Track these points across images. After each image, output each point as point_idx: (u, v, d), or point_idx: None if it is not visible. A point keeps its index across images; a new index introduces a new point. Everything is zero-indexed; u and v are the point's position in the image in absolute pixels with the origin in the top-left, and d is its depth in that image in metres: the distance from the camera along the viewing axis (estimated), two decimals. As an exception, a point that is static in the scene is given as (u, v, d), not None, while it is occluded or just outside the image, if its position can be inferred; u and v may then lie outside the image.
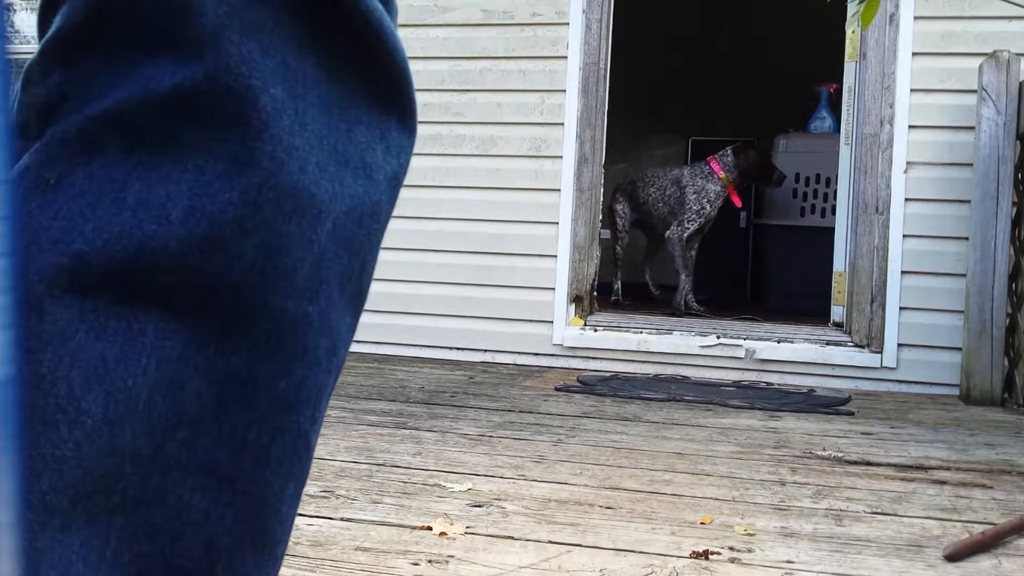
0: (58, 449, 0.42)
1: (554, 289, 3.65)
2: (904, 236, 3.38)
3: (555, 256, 3.65)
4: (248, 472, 0.48)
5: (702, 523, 1.56)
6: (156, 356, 0.45)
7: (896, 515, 1.66)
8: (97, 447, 0.43)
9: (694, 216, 4.43)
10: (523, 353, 3.65)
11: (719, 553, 1.40)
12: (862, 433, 2.46)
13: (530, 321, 3.66)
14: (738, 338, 3.51)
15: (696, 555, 1.38)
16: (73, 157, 0.45)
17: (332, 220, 0.49)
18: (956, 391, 3.24)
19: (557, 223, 3.65)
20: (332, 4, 0.49)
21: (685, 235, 4.44)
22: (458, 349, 3.71)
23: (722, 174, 4.41)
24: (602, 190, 3.73)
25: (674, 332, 3.58)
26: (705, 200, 4.42)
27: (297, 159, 0.47)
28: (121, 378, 0.44)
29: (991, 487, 1.89)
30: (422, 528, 1.46)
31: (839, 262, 3.66)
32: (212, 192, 0.45)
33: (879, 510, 1.68)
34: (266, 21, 0.47)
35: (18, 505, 0.31)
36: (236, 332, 0.47)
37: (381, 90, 0.52)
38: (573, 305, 3.65)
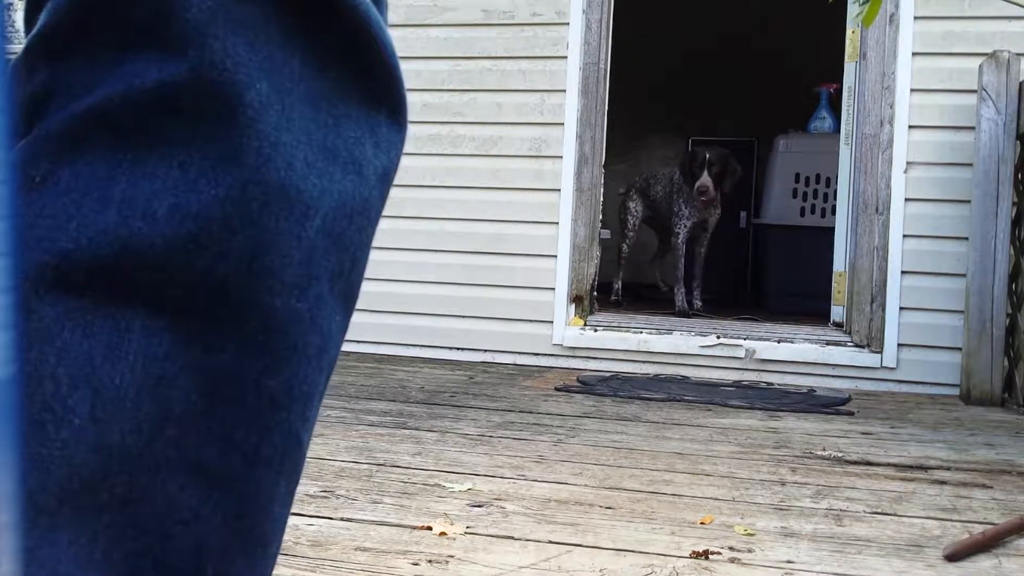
0: (45, 448, 0.42)
1: (554, 289, 3.65)
2: (904, 236, 3.38)
3: (555, 256, 3.65)
4: (238, 471, 0.48)
5: (702, 523, 1.56)
6: (143, 354, 0.44)
7: (896, 515, 1.66)
8: (84, 446, 0.43)
9: (680, 220, 4.51)
10: (523, 353, 3.65)
11: (719, 553, 1.40)
12: (862, 433, 2.46)
13: (530, 321, 3.66)
14: (738, 338, 3.51)
15: (696, 555, 1.38)
16: (59, 155, 0.45)
17: (321, 216, 0.49)
18: (956, 391, 3.24)
19: (557, 223, 3.65)
20: None
21: (680, 238, 4.50)
22: (458, 349, 3.71)
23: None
24: (602, 190, 3.73)
25: (674, 332, 3.58)
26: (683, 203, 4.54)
27: (284, 155, 0.47)
28: (108, 376, 0.43)
29: (991, 487, 1.89)
30: (422, 528, 1.46)
31: (839, 262, 3.66)
32: (198, 189, 0.45)
33: (879, 510, 1.68)
34: (252, 16, 0.46)
35: (7, 504, 0.31)
36: (224, 330, 0.47)
37: (370, 85, 0.52)
38: (573, 305, 3.65)
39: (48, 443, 0.42)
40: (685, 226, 4.47)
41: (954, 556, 1.41)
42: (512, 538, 1.44)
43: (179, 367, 0.45)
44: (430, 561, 1.32)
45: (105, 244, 0.44)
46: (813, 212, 5.02)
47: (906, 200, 3.39)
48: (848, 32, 3.60)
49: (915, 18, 3.38)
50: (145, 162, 0.45)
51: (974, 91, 3.23)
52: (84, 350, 0.43)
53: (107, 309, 0.44)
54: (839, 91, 3.97)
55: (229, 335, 0.47)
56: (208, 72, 0.45)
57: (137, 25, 0.45)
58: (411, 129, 3.64)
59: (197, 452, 0.46)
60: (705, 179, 4.28)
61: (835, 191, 4.38)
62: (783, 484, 1.86)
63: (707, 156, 4.31)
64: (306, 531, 1.43)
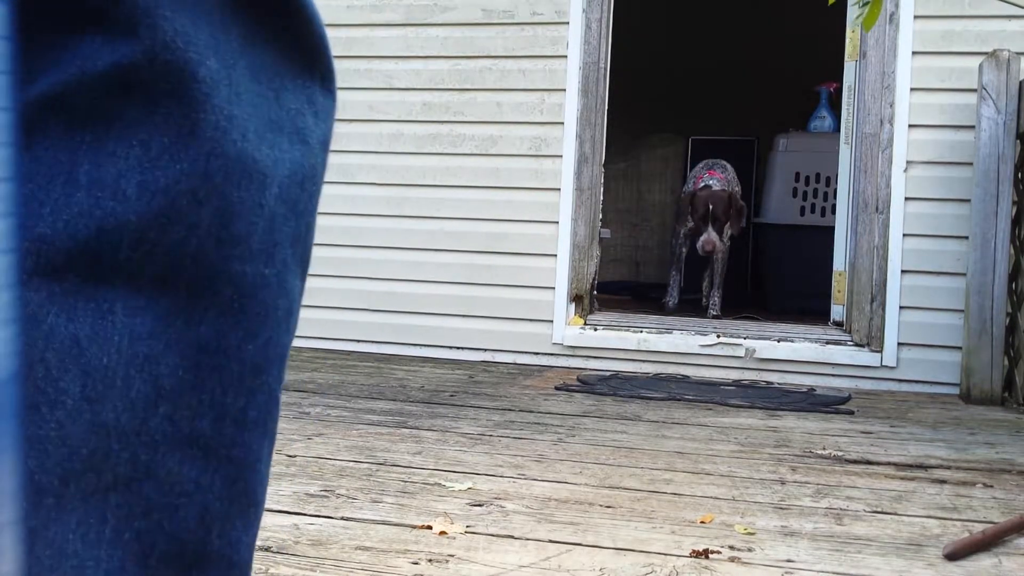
0: (40, 429, 0.43)
1: (554, 288, 3.65)
2: (904, 235, 3.38)
3: (555, 255, 3.65)
4: (230, 437, 0.50)
5: (702, 522, 1.56)
6: (128, 334, 0.46)
7: (896, 514, 1.66)
8: (80, 426, 0.44)
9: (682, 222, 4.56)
10: (523, 352, 3.65)
11: (719, 552, 1.40)
12: (862, 432, 2.46)
13: (530, 320, 3.66)
14: (738, 337, 3.51)
15: (696, 554, 1.38)
16: None
17: (277, 185, 0.51)
18: (956, 390, 3.24)
19: (557, 222, 3.65)
20: None
21: (679, 237, 4.53)
22: (458, 348, 3.71)
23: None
24: (602, 189, 3.73)
25: (674, 331, 3.58)
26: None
27: (238, 127, 0.49)
28: (96, 357, 0.45)
29: (991, 486, 1.89)
30: (422, 527, 1.46)
31: (839, 261, 3.66)
32: (162, 165, 0.46)
33: (879, 509, 1.68)
34: None
35: (10, 485, 0.32)
36: (202, 302, 0.48)
37: (302, 57, 0.54)
38: (573, 304, 3.65)
39: (44, 424, 0.43)
40: (687, 225, 4.47)
41: (954, 555, 1.41)
42: (512, 537, 1.44)
43: (164, 344, 0.47)
44: (430, 560, 1.32)
45: (81, 226, 0.44)
46: (813, 211, 5.02)
47: (906, 199, 3.39)
48: (848, 31, 3.60)
49: (915, 17, 3.38)
50: (105, 143, 0.46)
51: (974, 90, 3.23)
52: (70, 333, 0.44)
53: (88, 291, 0.45)
54: (839, 90, 3.97)
55: (207, 306, 0.48)
56: (161, 51, 0.46)
57: (83, 8, 0.46)
58: (411, 128, 3.65)
59: (191, 425, 0.48)
60: (710, 236, 4.23)
61: (835, 190, 4.37)
62: (783, 483, 1.86)
63: (710, 208, 4.23)
64: (307, 530, 1.43)
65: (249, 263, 0.50)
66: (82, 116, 0.45)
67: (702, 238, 4.24)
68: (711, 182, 4.36)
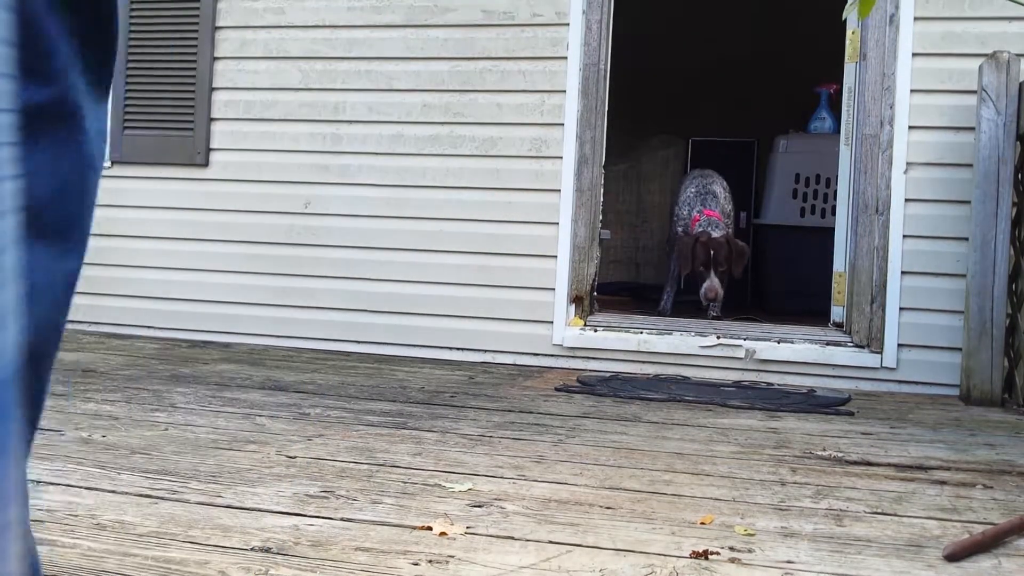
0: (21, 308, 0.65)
1: (554, 289, 3.65)
2: (904, 236, 3.39)
3: (555, 256, 3.65)
4: (65, 324, 0.77)
5: (702, 523, 1.56)
6: (43, 265, 0.71)
7: (896, 515, 1.66)
8: (37, 314, 0.70)
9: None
10: (523, 353, 3.65)
11: (719, 553, 1.40)
12: (862, 433, 2.46)
13: (530, 321, 3.66)
14: (738, 338, 3.51)
15: (696, 555, 1.38)
16: None
17: (100, 169, 0.79)
18: (956, 391, 3.24)
19: (557, 223, 3.65)
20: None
21: (671, 254, 4.57)
22: (458, 349, 3.72)
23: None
24: (602, 190, 3.73)
25: (674, 332, 3.58)
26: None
27: (93, 139, 0.77)
28: (31, 276, 0.69)
29: (991, 487, 1.89)
30: (422, 528, 1.46)
31: (839, 262, 3.66)
32: (60, 163, 0.73)
33: (879, 510, 1.68)
34: (75, 64, 0.74)
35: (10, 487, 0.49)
36: (73, 248, 0.75)
37: (106, 88, 0.81)
38: (573, 305, 3.65)
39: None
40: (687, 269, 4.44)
41: (954, 556, 1.41)
42: (512, 538, 1.44)
43: (57, 275, 0.73)
44: (430, 561, 1.32)
45: (27, 197, 0.65)
46: (813, 212, 5.02)
47: (906, 200, 3.39)
48: (848, 32, 3.60)
49: (915, 19, 3.39)
50: (33, 147, 0.71)
51: (974, 92, 3.23)
52: (22, 259, 0.66)
53: (28, 239, 0.68)
54: (839, 91, 3.97)
55: (72, 250, 0.75)
56: (67, 95, 0.73)
57: (27, 64, 0.70)
58: (412, 130, 3.66)
59: (64, 323, 0.77)
60: (713, 284, 4.20)
61: (835, 191, 4.38)
62: (783, 484, 1.86)
63: (711, 254, 4.20)
64: (306, 531, 1.43)
65: (90, 219, 0.77)
66: (21, 130, 0.65)
67: (705, 285, 4.22)
68: (709, 228, 4.30)
